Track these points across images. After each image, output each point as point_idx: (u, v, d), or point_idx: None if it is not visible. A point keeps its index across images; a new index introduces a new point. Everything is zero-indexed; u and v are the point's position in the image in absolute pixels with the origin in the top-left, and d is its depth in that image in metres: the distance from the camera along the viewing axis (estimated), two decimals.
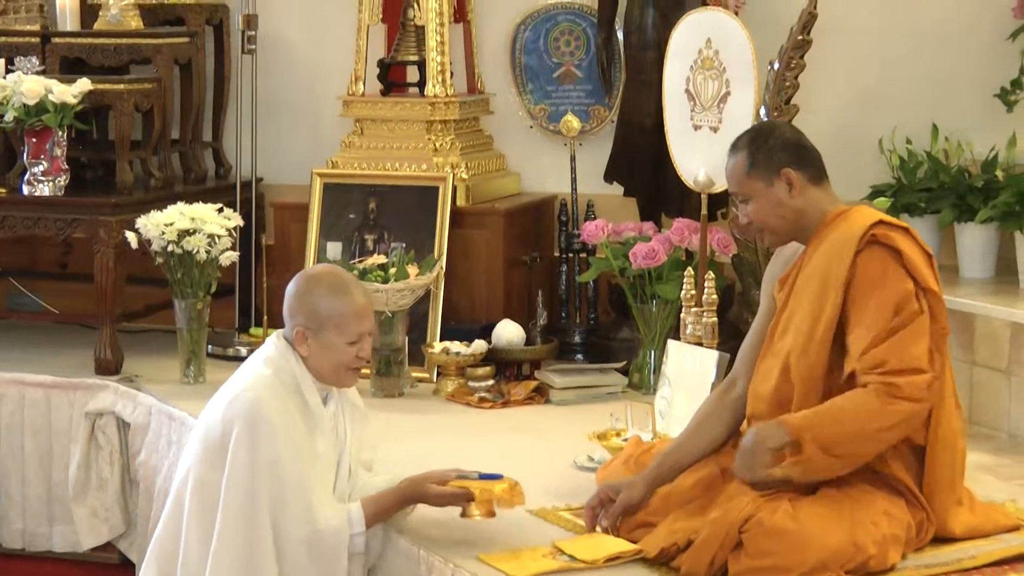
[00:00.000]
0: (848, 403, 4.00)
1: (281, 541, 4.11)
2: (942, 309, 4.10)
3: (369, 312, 4.27)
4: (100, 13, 6.88)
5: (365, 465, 4.43)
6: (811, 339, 4.09)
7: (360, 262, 6.08)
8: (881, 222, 4.12)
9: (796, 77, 5.76)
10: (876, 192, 6.01)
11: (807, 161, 4.23)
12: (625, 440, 4.87)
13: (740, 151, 4.25)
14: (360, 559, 4.24)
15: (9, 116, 6.32)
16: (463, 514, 4.23)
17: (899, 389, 3.97)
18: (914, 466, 4.14)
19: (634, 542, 4.17)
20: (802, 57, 5.74)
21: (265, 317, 6.43)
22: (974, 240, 5.97)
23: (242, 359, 6.43)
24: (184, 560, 4.19)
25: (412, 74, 6.74)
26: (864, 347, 4.01)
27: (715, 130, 5.44)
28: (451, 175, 6.37)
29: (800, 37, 5.72)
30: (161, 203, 6.25)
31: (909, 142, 6.20)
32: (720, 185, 5.45)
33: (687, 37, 5.53)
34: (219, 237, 6.08)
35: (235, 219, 6.22)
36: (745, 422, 4.31)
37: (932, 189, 6.00)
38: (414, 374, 6.11)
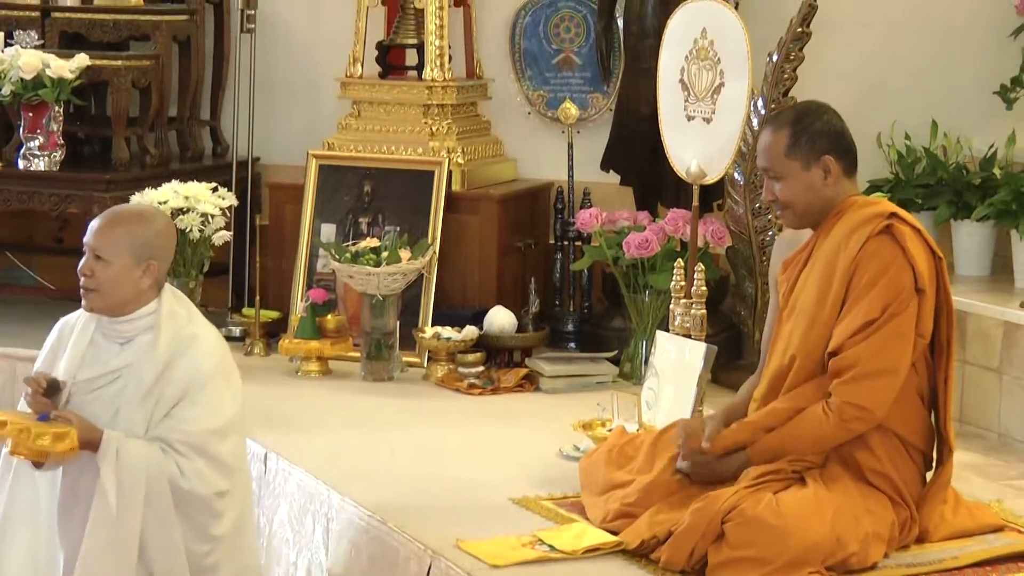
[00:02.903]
0: (807, 428, 4.03)
1: None
2: (927, 315, 4.06)
3: (93, 229, 4.09)
4: None
5: (157, 432, 4.05)
6: (816, 320, 4.08)
7: (353, 245, 6.07)
8: (895, 215, 4.10)
9: (795, 70, 5.74)
10: (873, 187, 5.98)
11: (846, 151, 4.18)
12: (611, 430, 4.85)
13: (782, 128, 4.18)
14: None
15: (6, 90, 6.33)
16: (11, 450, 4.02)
17: (861, 400, 3.97)
18: (909, 467, 4.12)
19: (615, 533, 4.16)
20: (801, 49, 5.72)
21: (258, 297, 6.41)
22: (970, 238, 5.95)
23: (234, 339, 6.52)
24: None
25: (411, 57, 6.73)
26: (846, 337, 4.01)
27: (708, 121, 5.40)
28: (447, 159, 6.36)
29: (799, 29, 5.70)
30: (157, 180, 6.25)
31: (908, 137, 6.18)
32: (712, 176, 5.43)
33: (683, 27, 5.49)
34: (212, 216, 6.08)
35: (229, 198, 6.21)
36: (753, 403, 4.27)
37: (930, 185, 5.99)
38: (405, 358, 6.10)
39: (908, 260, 4.03)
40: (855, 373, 3.99)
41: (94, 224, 4.12)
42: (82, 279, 4.10)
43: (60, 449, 3.92)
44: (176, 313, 4.11)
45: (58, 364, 4.15)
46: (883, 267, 4.02)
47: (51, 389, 4.06)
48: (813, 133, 4.15)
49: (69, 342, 4.16)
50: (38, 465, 4.07)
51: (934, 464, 4.20)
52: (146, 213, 4.23)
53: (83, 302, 4.12)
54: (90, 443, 3.95)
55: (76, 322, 4.20)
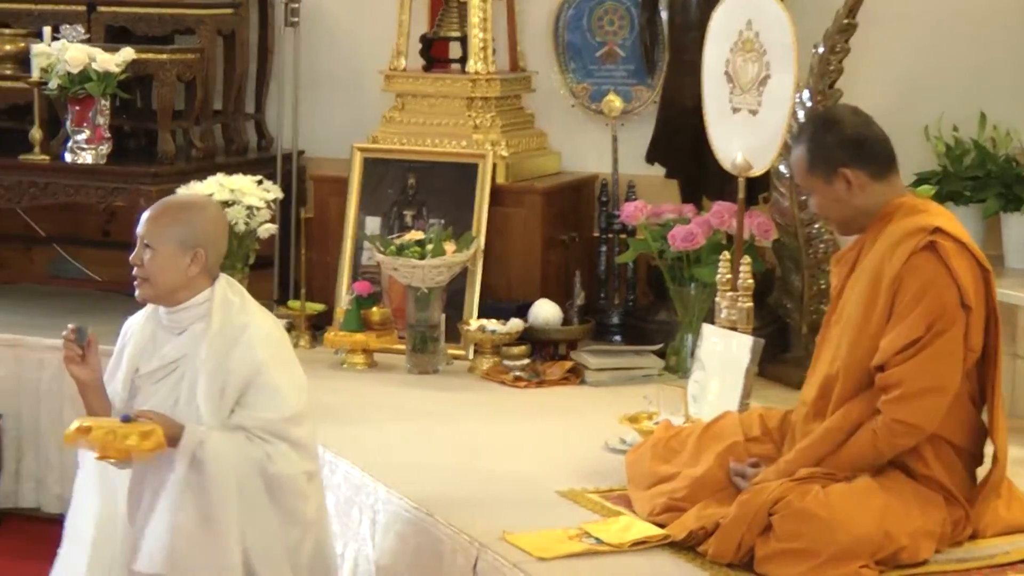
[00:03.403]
0: (857, 450, 4.00)
1: None
2: (976, 329, 4.01)
3: (143, 219, 4.14)
4: None
5: (233, 421, 4.07)
6: (863, 333, 4.04)
7: (398, 237, 6.08)
8: (939, 229, 4.02)
9: (840, 61, 5.71)
10: (921, 179, 5.94)
11: (869, 157, 4.11)
12: (656, 423, 4.84)
13: (800, 145, 4.17)
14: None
15: (53, 84, 6.35)
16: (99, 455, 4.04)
17: (909, 417, 3.94)
18: (960, 470, 4.09)
19: (662, 527, 4.15)
20: (847, 41, 5.70)
21: (303, 290, 6.43)
22: (1020, 230, 5.91)
23: None
24: None
25: (454, 50, 6.73)
26: (892, 353, 3.96)
27: (754, 113, 5.39)
28: (491, 152, 6.36)
29: (845, 21, 5.68)
30: (202, 173, 6.27)
31: (956, 129, 6.14)
32: (758, 169, 5.41)
33: (727, 18, 5.48)
34: (258, 209, 6.10)
35: (274, 191, 6.23)
36: (803, 406, 4.24)
37: (978, 178, 5.95)
38: (450, 351, 6.11)
39: (952, 277, 3.97)
40: (902, 392, 3.95)
41: (144, 214, 4.17)
42: (134, 269, 4.13)
43: (147, 447, 3.93)
44: (229, 301, 4.13)
45: (122, 360, 4.19)
46: (926, 284, 3.97)
47: (79, 335, 4.10)
48: (826, 147, 4.11)
49: (133, 337, 4.20)
50: (123, 464, 4.11)
51: (985, 461, 4.16)
52: (195, 202, 4.26)
53: (136, 292, 4.15)
54: (173, 438, 3.97)
55: (139, 318, 4.24)
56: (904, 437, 3.98)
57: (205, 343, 4.07)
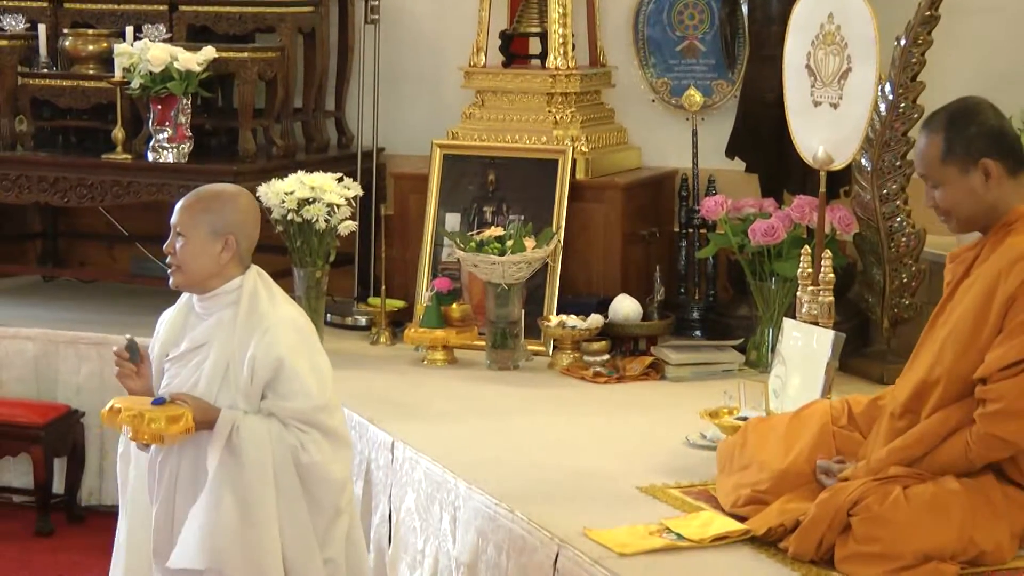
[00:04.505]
0: (948, 458, 3.94)
1: None
2: None
3: (176, 209, 4.16)
4: None
5: (266, 409, 4.07)
6: (971, 347, 3.94)
7: (478, 234, 6.09)
8: None
9: (923, 54, 5.66)
10: None
11: (1007, 150, 3.98)
12: (738, 419, 4.82)
13: (936, 133, 4.00)
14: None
15: (135, 83, 6.42)
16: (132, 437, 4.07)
17: (1005, 434, 3.86)
18: None
19: (743, 519, 4.13)
20: (929, 33, 5.64)
21: (383, 287, 6.44)
22: None
23: (360, 328, 6.57)
24: None
25: (534, 46, 6.73)
26: (996, 369, 3.87)
27: (835, 106, 5.36)
28: (571, 148, 6.35)
29: (928, 13, 5.62)
30: (282, 171, 6.30)
31: None
32: (840, 162, 5.38)
33: (809, 11, 5.47)
34: (338, 206, 6.12)
35: (355, 189, 6.25)
36: (893, 401, 4.16)
37: None
38: (530, 347, 6.11)
39: None
40: (1002, 408, 3.86)
41: (178, 204, 4.20)
42: (168, 257, 4.17)
43: (174, 431, 3.95)
44: (257, 291, 4.14)
45: (155, 348, 4.22)
46: None
47: (131, 352, 4.13)
48: (969, 136, 3.96)
49: (166, 326, 4.24)
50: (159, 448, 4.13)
51: None
52: (226, 191, 4.26)
53: (170, 280, 4.19)
54: (207, 423, 4.00)
55: (174, 309, 4.26)
56: (998, 452, 3.92)
57: (229, 330, 4.08)
